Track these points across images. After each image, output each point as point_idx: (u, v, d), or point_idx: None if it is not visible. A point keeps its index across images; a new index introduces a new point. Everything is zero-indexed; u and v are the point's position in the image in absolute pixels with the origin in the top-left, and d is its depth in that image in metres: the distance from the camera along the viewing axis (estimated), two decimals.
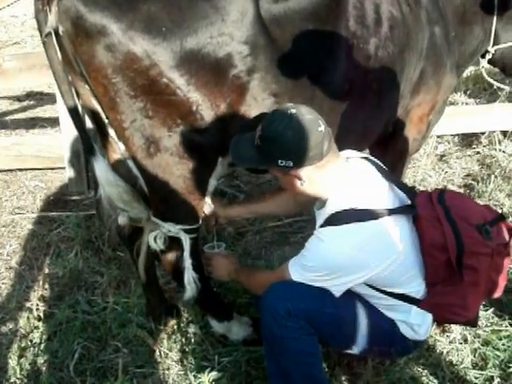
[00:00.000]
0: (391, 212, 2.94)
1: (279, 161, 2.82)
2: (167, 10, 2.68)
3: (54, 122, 6.60)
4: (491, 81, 4.48)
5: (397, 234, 2.94)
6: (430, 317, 3.14)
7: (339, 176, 2.95)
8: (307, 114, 2.81)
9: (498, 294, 3.13)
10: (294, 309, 2.92)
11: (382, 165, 3.19)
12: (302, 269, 2.98)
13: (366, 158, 3.18)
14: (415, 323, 3.11)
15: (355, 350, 3.20)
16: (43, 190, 5.72)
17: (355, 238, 2.85)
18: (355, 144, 3.26)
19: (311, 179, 2.90)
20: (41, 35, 2.81)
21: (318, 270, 2.93)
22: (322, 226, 2.97)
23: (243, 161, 3.03)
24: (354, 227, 2.85)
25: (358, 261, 2.87)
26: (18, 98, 8.11)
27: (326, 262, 2.91)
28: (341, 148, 3.04)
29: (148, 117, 2.82)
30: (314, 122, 2.80)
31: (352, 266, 2.88)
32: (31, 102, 7.97)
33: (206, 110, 2.88)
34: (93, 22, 2.61)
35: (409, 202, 3.08)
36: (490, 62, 4.26)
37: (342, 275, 2.91)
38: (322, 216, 3.00)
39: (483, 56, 4.23)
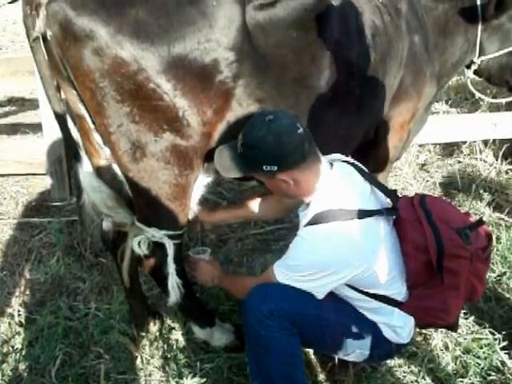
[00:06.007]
0: (372, 213, 2.99)
1: (264, 166, 2.88)
2: (155, 16, 2.68)
3: (35, 127, 6.55)
4: (476, 92, 4.52)
5: (377, 235, 3.00)
6: (412, 320, 3.18)
7: (322, 176, 3.01)
8: (285, 118, 2.88)
9: (477, 298, 3.21)
10: (278, 309, 2.96)
11: (364, 168, 3.24)
12: (286, 269, 3.02)
13: (349, 162, 3.23)
14: (398, 325, 3.15)
15: (337, 352, 3.22)
16: (25, 195, 5.67)
17: (337, 236, 2.90)
18: (338, 150, 3.30)
19: (297, 181, 2.95)
20: (28, 40, 2.80)
21: (302, 270, 2.97)
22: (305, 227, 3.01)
23: (229, 171, 3.04)
24: (336, 226, 2.90)
25: (340, 259, 2.91)
26: (0, 104, 8.06)
27: (309, 260, 2.95)
28: (323, 154, 3.08)
29: (134, 122, 2.82)
30: (293, 125, 2.87)
31: (334, 264, 2.92)
32: (13, 108, 7.90)
33: (193, 115, 2.89)
34: (81, 25, 2.60)
35: (390, 205, 3.13)
36: (475, 72, 4.30)
37: (324, 275, 2.94)
38: (305, 217, 3.04)
39: (468, 67, 4.27)
